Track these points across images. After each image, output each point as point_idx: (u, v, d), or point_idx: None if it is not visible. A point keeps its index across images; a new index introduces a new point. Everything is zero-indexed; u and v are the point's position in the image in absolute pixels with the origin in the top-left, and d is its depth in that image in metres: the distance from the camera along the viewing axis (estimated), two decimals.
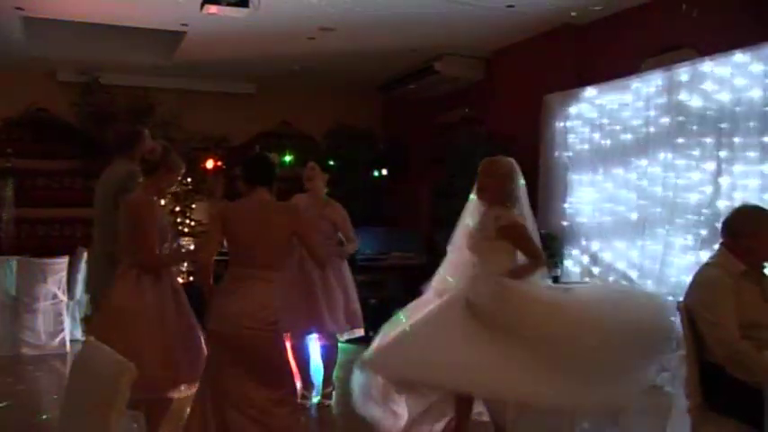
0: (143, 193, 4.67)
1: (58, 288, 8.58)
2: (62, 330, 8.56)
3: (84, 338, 6.14)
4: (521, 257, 4.69)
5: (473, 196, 4.92)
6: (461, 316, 4.40)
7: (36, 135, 11.35)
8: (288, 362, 4.67)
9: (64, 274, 8.67)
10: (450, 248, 4.99)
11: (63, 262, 8.66)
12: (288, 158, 11.59)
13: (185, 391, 4.64)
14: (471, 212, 4.92)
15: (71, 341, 8.55)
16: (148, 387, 4.41)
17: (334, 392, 6.49)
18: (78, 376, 2.74)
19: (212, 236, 4.46)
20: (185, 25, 9.06)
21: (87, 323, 8.40)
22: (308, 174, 6.43)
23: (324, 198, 6.45)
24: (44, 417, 5.97)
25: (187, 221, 10.73)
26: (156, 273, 4.55)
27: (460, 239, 4.90)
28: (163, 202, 4.83)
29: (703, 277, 4.03)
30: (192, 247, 8.64)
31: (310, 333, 6.41)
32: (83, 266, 8.94)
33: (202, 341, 4.66)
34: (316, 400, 6.40)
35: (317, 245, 4.72)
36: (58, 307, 8.58)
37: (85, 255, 8.88)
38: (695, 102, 7.10)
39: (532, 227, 4.86)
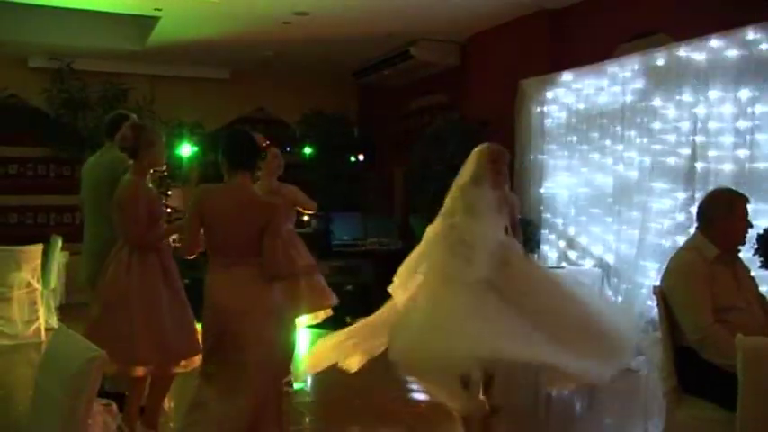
0: (129, 176, 4.69)
1: (33, 276, 8.47)
2: (37, 319, 8.46)
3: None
4: None
5: None
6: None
7: (7, 122, 11.18)
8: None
9: (38, 262, 8.55)
10: None
11: (37, 250, 8.55)
12: None
13: (185, 367, 4.71)
14: None
15: (46, 330, 8.46)
16: (149, 363, 4.58)
17: (292, 381, 6.32)
18: (48, 365, 2.71)
19: (192, 231, 4.13)
20: (159, 10, 8.96)
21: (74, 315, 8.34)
22: (277, 162, 6.28)
23: (276, 183, 6.33)
24: (19, 406, 5.90)
25: (163, 208, 10.62)
26: (149, 250, 4.65)
27: None
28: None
29: (677, 262, 4.05)
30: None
31: None
32: (57, 255, 8.86)
33: (192, 317, 4.77)
34: None
35: (277, 255, 4.12)
36: (33, 295, 8.47)
37: (59, 243, 8.81)
38: (671, 87, 7.11)
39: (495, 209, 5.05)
